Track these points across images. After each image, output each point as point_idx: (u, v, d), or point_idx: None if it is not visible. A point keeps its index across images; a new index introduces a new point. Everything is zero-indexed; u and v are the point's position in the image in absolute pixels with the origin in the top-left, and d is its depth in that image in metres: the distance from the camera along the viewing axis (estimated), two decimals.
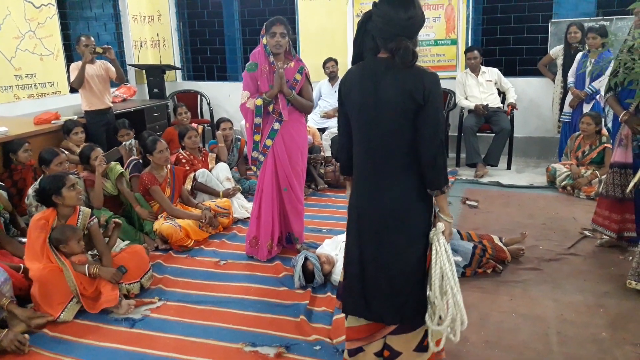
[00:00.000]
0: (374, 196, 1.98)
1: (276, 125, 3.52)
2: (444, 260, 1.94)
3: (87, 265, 3.01)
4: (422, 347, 2.07)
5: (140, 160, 4.51)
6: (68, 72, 5.55)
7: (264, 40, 3.41)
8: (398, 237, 1.96)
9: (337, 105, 7.24)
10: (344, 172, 2.25)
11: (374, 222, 1.99)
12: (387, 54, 1.90)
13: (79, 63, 4.84)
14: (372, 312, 2.05)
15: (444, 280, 1.94)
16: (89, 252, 3.20)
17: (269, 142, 3.54)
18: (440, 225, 1.97)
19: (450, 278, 1.93)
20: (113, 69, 5.12)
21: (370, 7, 1.93)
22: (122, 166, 4.34)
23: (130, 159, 4.49)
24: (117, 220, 3.46)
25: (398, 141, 1.91)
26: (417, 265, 1.98)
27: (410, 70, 1.86)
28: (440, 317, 1.96)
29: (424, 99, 1.83)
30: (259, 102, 3.44)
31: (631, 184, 3.25)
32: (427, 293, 1.99)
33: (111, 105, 5.25)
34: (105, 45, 4.99)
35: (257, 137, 3.55)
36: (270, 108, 3.47)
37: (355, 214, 2.05)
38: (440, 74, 1.94)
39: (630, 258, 3.27)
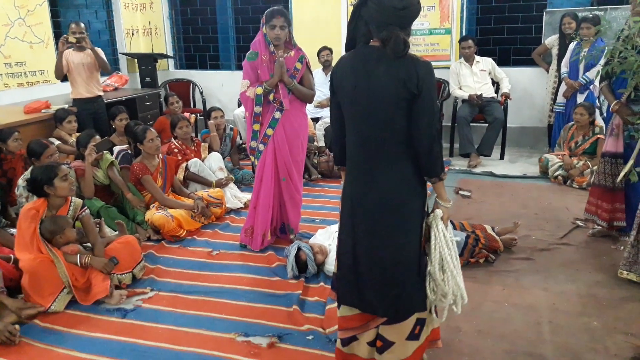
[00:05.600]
0: (367, 186, 1.97)
1: (277, 115, 3.48)
2: (442, 245, 1.97)
3: (78, 255, 3.00)
4: (414, 335, 2.07)
5: (129, 151, 4.47)
6: None
7: (264, 30, 3.38)
8: (391, 228, 1.96)
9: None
10: (337, 162, 2.23)
11: (368, 212, 1.98)
12: (379, 42, 1.87)
13: (69, 51, 4.77)
14: (365, 303, 2.05)
15: (443, 265, 1.98)
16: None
17: (269, 131, 3.50)
18: (438, 211, 1.99)
19: (449, 262, 1.97)
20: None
21: None
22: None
23: (119, 149, 4.45)
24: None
25: (391, 131, 1.89)
26: (410, 257, 1.98)
27: (403, 60, 1.82)
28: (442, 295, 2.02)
29: (418, 89, 1.81)
30: (259, 90, 3.41)
31: (621, 174, 3.25)
32: (428, 268, 2.01)
33: (100, 94, 5.17)
34: (79, 35, 4.76)
35: (256, 127, 3.51)
36: (271, 97, 3.44)
37: (349, 204, 2.04)
38: (434, 64, 1.91)
39: (622, 248, 3.29)
